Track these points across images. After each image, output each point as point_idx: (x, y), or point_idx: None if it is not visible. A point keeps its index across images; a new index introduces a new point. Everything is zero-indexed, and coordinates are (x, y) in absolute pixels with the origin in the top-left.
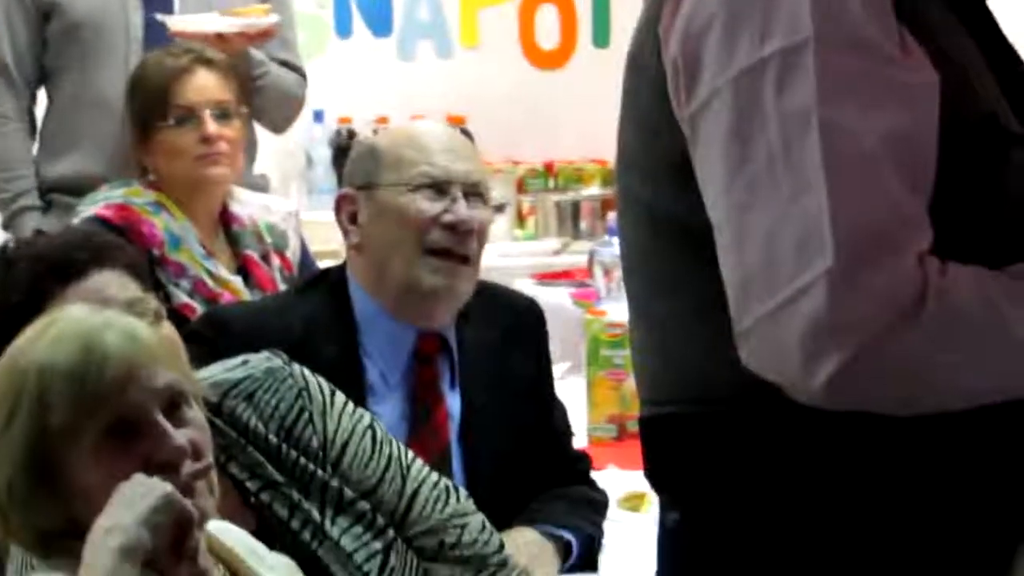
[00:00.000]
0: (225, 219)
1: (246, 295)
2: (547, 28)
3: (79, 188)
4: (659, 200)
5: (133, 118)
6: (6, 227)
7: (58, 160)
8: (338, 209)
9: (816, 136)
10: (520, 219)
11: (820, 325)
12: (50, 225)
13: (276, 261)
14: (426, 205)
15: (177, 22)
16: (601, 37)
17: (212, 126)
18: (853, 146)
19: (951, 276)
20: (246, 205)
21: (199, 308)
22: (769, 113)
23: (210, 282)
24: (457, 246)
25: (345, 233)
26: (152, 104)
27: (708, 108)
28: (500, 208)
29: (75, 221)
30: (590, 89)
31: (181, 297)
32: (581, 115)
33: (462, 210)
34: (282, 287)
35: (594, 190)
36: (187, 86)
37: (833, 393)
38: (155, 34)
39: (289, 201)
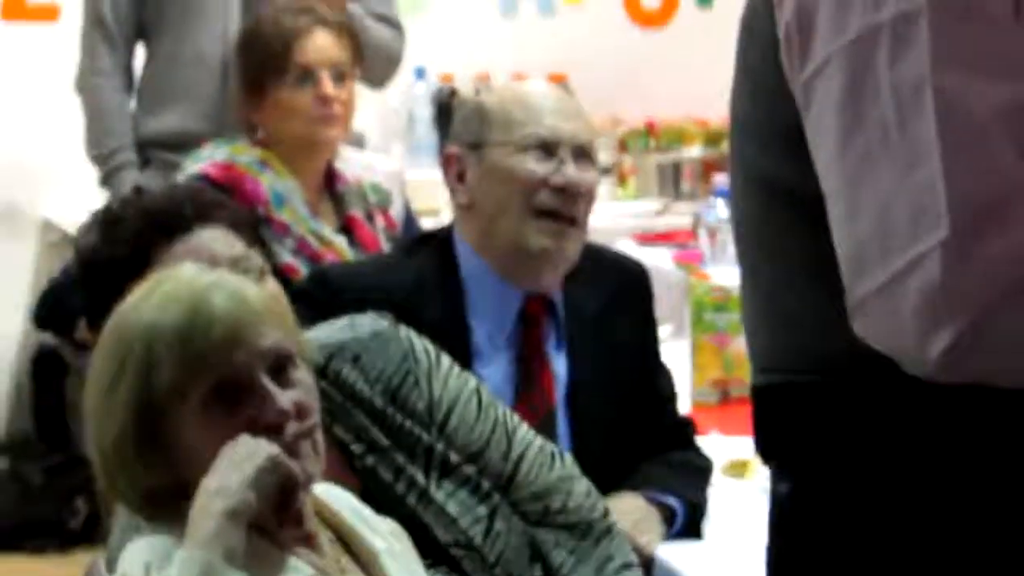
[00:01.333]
0: (330, 178)
1: (349, 255)
2: None
3: (177, 144)
4: (771, 166)
5: (246, 75)
6: (104, 183)
7: (156, 116)
8: (446, 167)
9: (930, 106)
10: (621, 179)
11: (935, 297)
12: (148, 181)
13: (380, 220)
14: (534, 166)
15: None
16: None
17: (329, 87)
18: (967, 116)
19: None
20: (351, 164)
21: (302, 267)
22: (882, 81)
23: (314, 241)
24: (565, 208)
25: (452, 192)
26: (270, 62)
27: (821, 75)
28: (607, 170)
29: (179, 179)
30: (692, 49)
31: (284, 256)
32: (683, 75)
33: (571, 171)
34: (386, 246)
35: (695, 151)
36: (306, 46)
37: (948, 366)
38: None
39: (393, 160)
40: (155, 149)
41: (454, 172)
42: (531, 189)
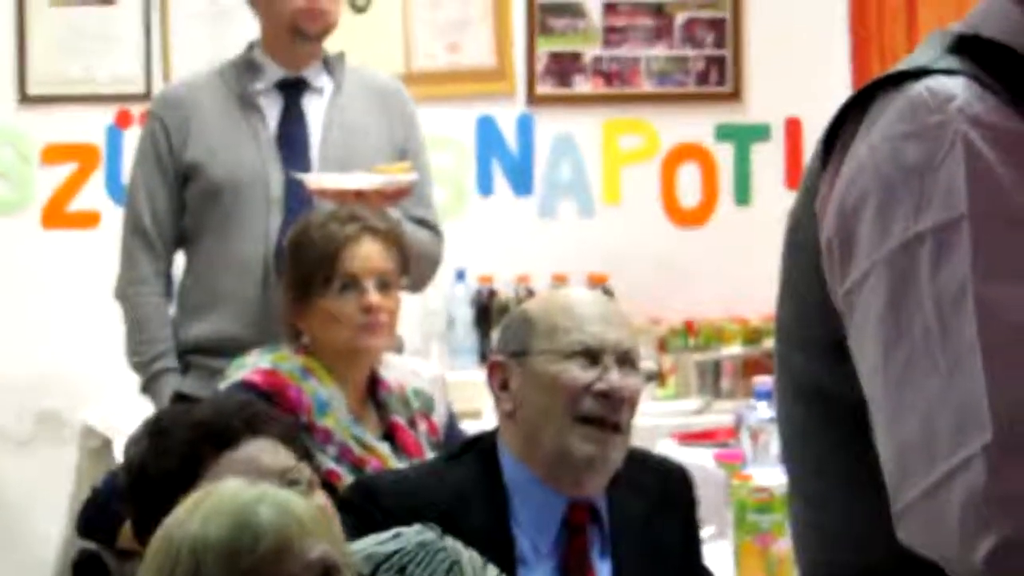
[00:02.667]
0: (373, 384)
1: (393, 461)
2: (688, 185)
3: (218, 350)
4: (817, 375)
5: (292, 282)
6: (145, 390)
7: (196, 322)
8: (490, 375)
9: (972, 313)
10: (661, 379)
11: (980, 499)
12: (189, 387)
13: (422, 426)
14: (579, 373)
15: (316, 180)
16: (742, 195)
17: (374, 296)
18: (1008, 323)
19: None
20: (393, 369)
21: (345, 474)
22: (924, 289)
23: (357, 448)
24: (610, 414)
25: (496, 400)
26: (316, 270)
27: (863, 285)
28: (652, 376)
29: (222, 386)
30: (731, 247)
31: (327, 463)
32: (722, 273)
33: (615, 378)
34: (429, 452)
35: (735, 349)
36: (353, 254)
37: (993, 569)
38: (294, 193)
39: (434, 364)
40: (196, 355)
41: (498, 380)
42: (575, 396)
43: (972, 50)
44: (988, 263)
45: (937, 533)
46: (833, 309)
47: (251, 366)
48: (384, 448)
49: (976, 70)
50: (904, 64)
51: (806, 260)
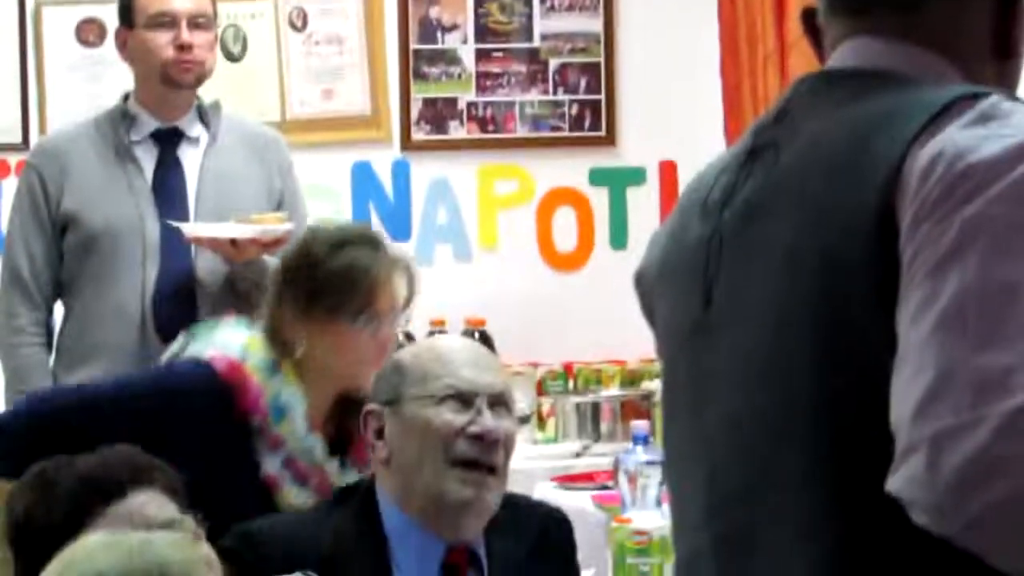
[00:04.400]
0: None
1: (337, 480)
2: (564, 229)
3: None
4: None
5: (310, 298)
6: None
7: (75, 370)
8: (364, 424)
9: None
10: (540, 421)
11: (981, 460)
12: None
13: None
14: (452, 416)
15: (192, 229)
16: (618, 238)
17: (390, 331)
18: None
19: None
20: None
21: (287, 483)
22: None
23: (304, 462)
24: (484, 456)
25: (372, 448)
26: (351, 301)
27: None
28: (525, 419)
29: (187, 351)
30: (608, 290)
31: (270, 468)
32: (599, 316)
33: (488, 421)
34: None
35: (614, 391)
36: (387, 292)
37: (976, 526)
38: (171, 242)
39: None
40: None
41: (372, 429)
42: (448, 439)
43: None
44: None
45: (931, 484)
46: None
47: (220, 344)
48: (332, 465)
49: None
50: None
51: (830, 280)
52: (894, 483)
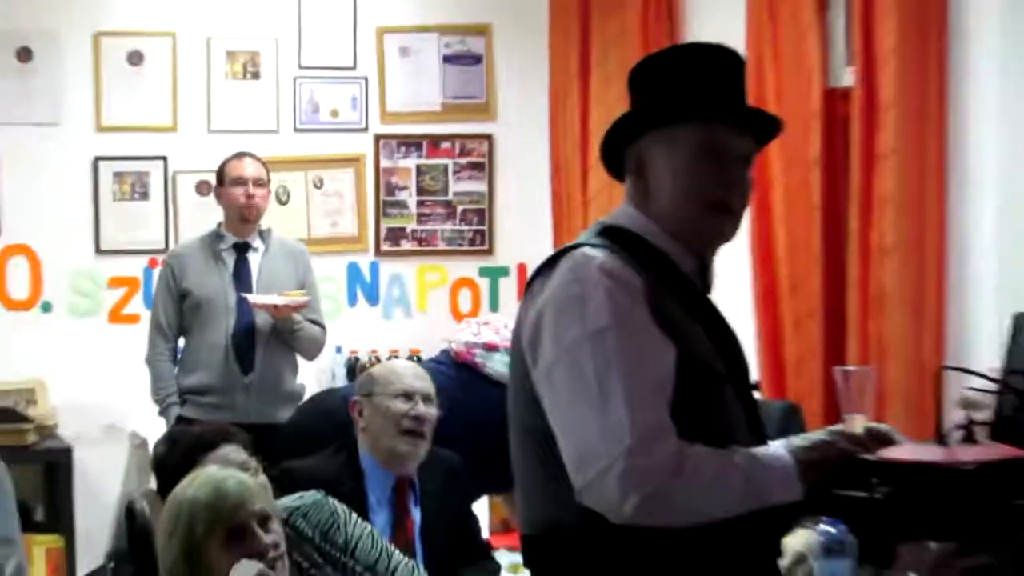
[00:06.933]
0: None
1: None
2: (464, 301)
3: (200, 391)
4: (525, 419)
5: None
6: (160, 414)
7: (188, 376)
8: (351, 409)
9: (616, 377)
10: None
11: (626, 477)
12: (185, 413)
13: None
14: (401, 406)
15: (253, 299)
16: (494, 306)
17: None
18: (635, 383)
19: (694, 450)
20: None
21: None
22: (589, 365)
23: None
24: (418, 429)
25: (356, 422)
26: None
27: (554, 365)
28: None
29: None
30: None
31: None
32: None
33: (421, 409)
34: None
35: None
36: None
37: (636, 516)
38: (241, 306)
39: None
40: (188, 395)
41: (356, 411)
42: (399, 419)
43: (611, 233)
44: (626, 353)
45: (605, 498)
46: (532, 386)
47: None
48: None
49: (611, 243)
50: (574, 242)
51: (518, 359)
52: (585, 500)
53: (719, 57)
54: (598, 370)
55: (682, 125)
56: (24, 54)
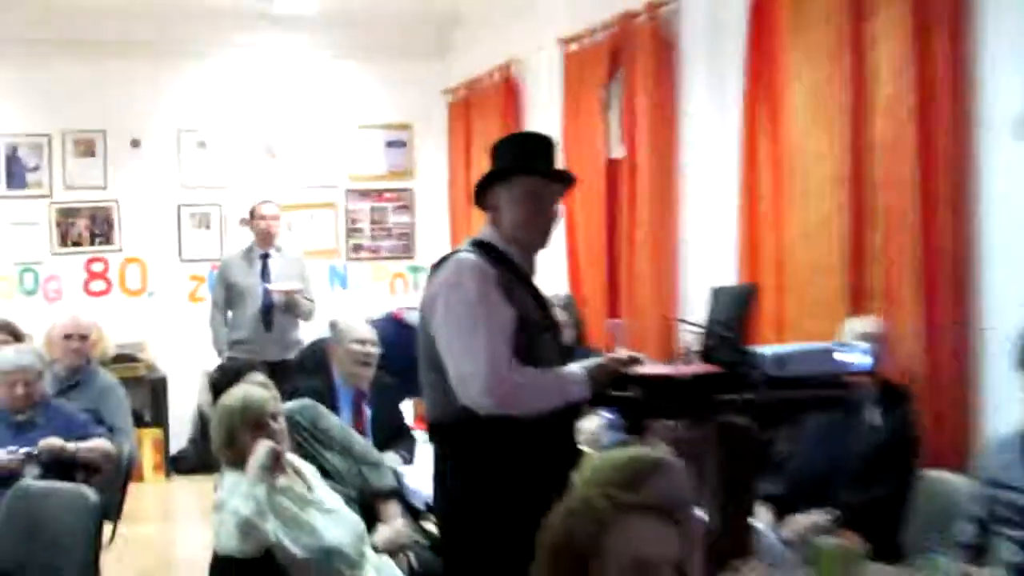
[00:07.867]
0: None
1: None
2: (399, 289)
3: (241, 343)
4: (427, 352)
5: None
6: (218, 356)
7: (233, 332)
8: (328, 349)
9: (481, 326)
10: None
11: (483, 385)
12: (232, 354)
13: None
14: (358, 348)
15: (272, 287)
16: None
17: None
18: (490, 332)
19: (527, 369)
20: None
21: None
22: (464, 320)
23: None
24: (367, 360)
25: (330, 357)
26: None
27: (444, 323)
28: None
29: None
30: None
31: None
32: None
33: (369, 348)
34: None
35: None
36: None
37: (493, 409)
38: (265, 292)
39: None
40: (234, 344)
41: (331, 351)
42: (356, 355)
43: (478, 244)
44: (484, 312)
45: (474, 399)
46: (430, 333)
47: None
48: None
49: (477, 250)
50: (455, 248)
51: (424, 316)
52: (462, 401)
53: (540, 140)
54: (469, 324)
55: (516, 178)
56: (135, 143)
